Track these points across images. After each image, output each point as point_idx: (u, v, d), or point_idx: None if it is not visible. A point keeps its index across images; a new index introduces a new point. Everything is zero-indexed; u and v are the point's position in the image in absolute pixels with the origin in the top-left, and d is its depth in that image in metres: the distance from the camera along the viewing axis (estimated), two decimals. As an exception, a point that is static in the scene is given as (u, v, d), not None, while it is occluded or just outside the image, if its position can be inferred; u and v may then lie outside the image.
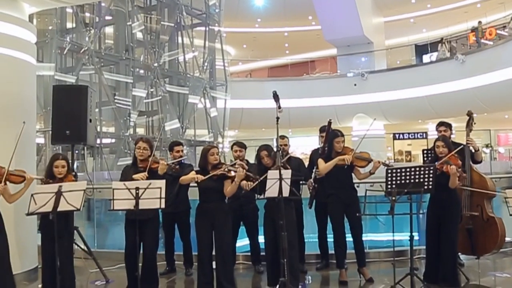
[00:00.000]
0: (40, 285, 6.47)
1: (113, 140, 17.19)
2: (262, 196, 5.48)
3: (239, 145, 6.66)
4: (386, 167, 5.65)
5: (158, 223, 5.83)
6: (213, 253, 5.76)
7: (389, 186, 5.26)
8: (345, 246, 6.27)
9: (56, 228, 4.61)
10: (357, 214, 5.76)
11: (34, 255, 6.95)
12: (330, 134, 6.30)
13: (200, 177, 5.52)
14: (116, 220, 9.23)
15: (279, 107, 5.30)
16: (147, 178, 5.33)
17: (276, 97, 5.39)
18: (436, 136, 6.17)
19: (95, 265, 6.80)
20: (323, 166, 6.15)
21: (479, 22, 21.65)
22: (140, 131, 19.88)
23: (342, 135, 6.23)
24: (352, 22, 23.28)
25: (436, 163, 5.63)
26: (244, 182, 5.57)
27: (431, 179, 5.23)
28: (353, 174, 6.30)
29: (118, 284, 6.28)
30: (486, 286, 6.12)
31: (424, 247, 6.19)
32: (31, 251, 6.86)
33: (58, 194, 4.49)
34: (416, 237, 6.02)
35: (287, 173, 5.31)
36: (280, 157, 5.26)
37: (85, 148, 10.34)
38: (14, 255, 6.39)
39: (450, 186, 5.60)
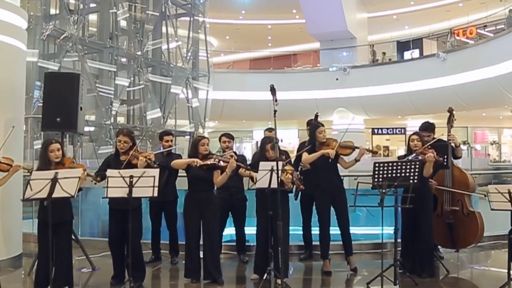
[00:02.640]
0: (23, 271, 6.54)
1: (92, 128, 17.07)
2: (253, 186, 5.59)
3: (228, 136, 6.77)
4: (371, 154, 5.83)
5: (141, 213, 5.85)
6: (201, 242, 5.86)
7: (376, 179, 5.38)
8: (329, 237, 6.39)
9: (51, 212, 4.63)
10: (349, 206, 5.88)
11: (19, 241, 6.94)
12: (311, 126, 6.39)
13: (199, 161, 5.59)
14: (99, 208, 9.24)
15: (276, 100, 5.36)
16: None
17: (273, 90, 5.44)
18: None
19: (79, 253, 6.81)
20: (306, 157, 6.24)
21: (510, 11, 20.85)
22: (121, 119, 19.76)
23: (323, 126, 6.34)
24: (336, 17, 23.41)
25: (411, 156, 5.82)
26: (242, 170, 5.70)
27: (416, 173, 5.38)
28: (339, 166, 6.40)
29: (104, 272, 6.31)
30: (465, 278, 6.33)
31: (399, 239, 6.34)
32: (16, 238, 6.84)
33: (54, 180, 4.52)
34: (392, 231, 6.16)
35: (278, 165, 5.40)
36: (278, 149, 5.35)
37: (67, 135, 10.30)
38: (-1, 241, 6.42)
39: (424, 174, 5.77)
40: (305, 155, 6.27)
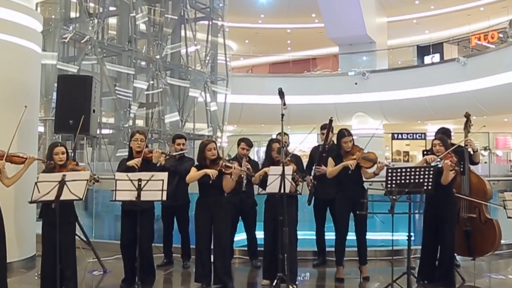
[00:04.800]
0: (37, 273, 6.56)
1: (111, 131, 17.21)
2: (263, 191, 5.54)
3: (247, 143, 6.63)
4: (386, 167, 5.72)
5: (154, 215, 5.85)
6: (211, 246, 5.81)
7: (389, 185, 5.28)
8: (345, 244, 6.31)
9: (58, 216, 4.64)
10: (357, 212, 5.79)
11: (33, 243, 6.98)
12: (337, 134, 6.27)
13: (214, 172, 5.52)
14: (114, 211, 9.26)
15: (284, 104, 5.31)
16: (142, 168, 5.39)
17: (281, 93, 5.38)
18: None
19: (92, 255, 6.83)
20: (329, 171, 6.17)
21: None
22: (140, 122, 19.89)
23: (350, 134, 6.18)
24: (356, 21, 23.28)
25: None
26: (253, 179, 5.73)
27: (430, 179, 5.26)
28: None
29: (115, 275, 6.31)
30: (481, 287, 6.18)
31: (419, 247, 6.24)
32: (29, 239, 6.89)
33: (62, 183, 4.52)
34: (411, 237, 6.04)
35: (288, 170, 5.35)
36: (284, 153, 5.28)
37: (85, 138, 10.43)
38: (13, 242, 6.44)
39: (442, 182, 5.64)
40: (329, 169, 6.19)
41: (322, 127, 6.86)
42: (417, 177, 5.26)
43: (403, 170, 5.31)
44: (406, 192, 5.17)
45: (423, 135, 28.83)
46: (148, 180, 4.88)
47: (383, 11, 26.23)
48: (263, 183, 5.61)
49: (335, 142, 6.60)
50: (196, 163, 5.90)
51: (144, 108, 19.63)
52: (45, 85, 12.99)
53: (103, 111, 17.04)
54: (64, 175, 4.56)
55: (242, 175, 5.73)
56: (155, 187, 4.90)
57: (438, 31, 27.12)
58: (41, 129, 12.92)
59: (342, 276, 6.22)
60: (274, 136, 6.82)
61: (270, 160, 5.83)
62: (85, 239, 6.77)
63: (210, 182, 5.52)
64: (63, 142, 5.74)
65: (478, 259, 6.68)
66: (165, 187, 4.92)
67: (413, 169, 5.32)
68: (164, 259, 7.03)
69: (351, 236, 6.31)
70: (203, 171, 5.60)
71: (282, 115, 5.18)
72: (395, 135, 29.54)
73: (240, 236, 7.24)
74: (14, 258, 6.49)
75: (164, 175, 5.00)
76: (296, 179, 5.68)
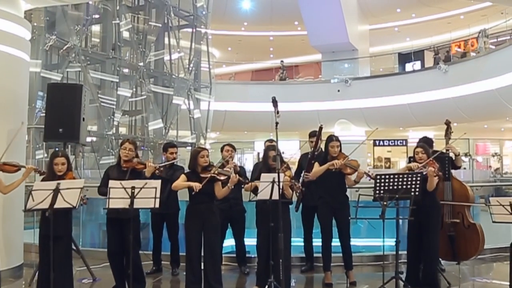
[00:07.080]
0: (24, 282, 6.54)
1: (94, 139, 17.11)
2: (255, 198, 5.59)
3: (231, 145, 6.84)
4: (368, 178, 5.84)
5: (139, 223, 5.89)
6: (202, 253, 5.84)
7: (377, 192, 5.38)
8: (331, 249, 6.38)
9: (52, 225, 4.64)
10: (350, 218, 5.87)
11: (20, 252, 6.94)
12: (326, 139, 6.38)
13: (198, 186, 5.51)
14: (98, 219, 9.26)
15: (278, 112, 5.37)
16: (131, 178, 5.39)
17: (274, 102, 5.45)
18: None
19: (81, 263, 6.81)
20: (314, 171, 6.26)
21: None
22: (123, 130, 19.81)
23: (337, 140, 6.30)
24: (338, 29, 23.44)
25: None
26: (246, 185, 5.76)
27: (418, 185, 5.37)
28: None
29: (104, 283, 6.32)
30: (466, 291, 6.32)
31: (404, 252, 6.32)
32: (17, 248, 6.84)
33: (56, 191, 4.54)
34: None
35: (282, 177, 5.39)
36: (279, 160, 5.32)
37: (69, 146, 10.36)
38: (1, 251, 6.43)
39: (428, 189, 5.75)
40: (315, 169, 6.27)
41: (311, 135, 6.93)
42: (405, 183, 5.38)
43: (391, 176, 5.42)
44: (396, 198, 5.28)
45: (404, 141, 29.12)
46: (141, 188, 4.91)
47: (365, 19, 26.49)
48: (255, 189, 5.66)
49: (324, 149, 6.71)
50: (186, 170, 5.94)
51: (128, 115, 19.56)
52: (28, 93, 12.90)
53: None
54: (58, 183, 4.58)
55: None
56: (148, 195, 4.94)
57: (419, 38, 27.48)
58: (24, 137, 12.81)
59: (330, 281, 6.29)
60: (263, 143, 6.89)
61: (267, 167, 5.84)
62: (74, 247, 6.75)
63: (193, 193, 5.54)
64: (64, 151, 5.71)
65: (463, 263, 6.80)
66: (158, 195, 4.95)
67: (401, 176, 5.43)
68: (153, 267, 7.04)
69: (337, 242, 6.40)
70: (187, 183, 5.60)
71: (277, 123, 5.23)
72: (377, 142, 29.78)
73: (228, 242, 7.28)
74: (2, 267, 6.44)
75: (157, 183, 5.03)
76: (294, 187, 5.75)
